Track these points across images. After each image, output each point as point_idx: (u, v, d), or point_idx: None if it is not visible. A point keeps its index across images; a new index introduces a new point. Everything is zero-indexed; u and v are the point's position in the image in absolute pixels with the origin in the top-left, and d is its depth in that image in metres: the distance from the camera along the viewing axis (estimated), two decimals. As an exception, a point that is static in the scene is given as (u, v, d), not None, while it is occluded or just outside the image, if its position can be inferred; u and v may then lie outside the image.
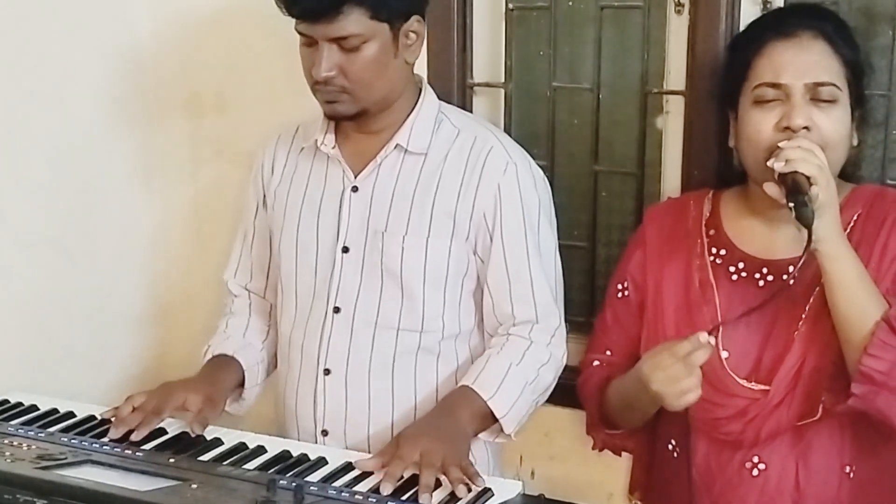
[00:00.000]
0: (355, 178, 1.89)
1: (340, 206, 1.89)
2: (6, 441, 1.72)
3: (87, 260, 2.38)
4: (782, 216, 1.69)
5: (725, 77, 1.82)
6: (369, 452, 1.78)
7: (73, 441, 1.74)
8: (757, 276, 1.77)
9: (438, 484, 1.59)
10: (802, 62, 1.68)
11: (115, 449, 1.72)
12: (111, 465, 1.65)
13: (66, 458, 1.65)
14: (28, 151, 2.22)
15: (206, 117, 2.47)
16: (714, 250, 1.81)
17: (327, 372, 1.91)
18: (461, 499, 1.57)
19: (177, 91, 2.48)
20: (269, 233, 2.03)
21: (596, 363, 1.94)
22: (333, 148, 1.91)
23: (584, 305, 2.26)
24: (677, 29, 2.08)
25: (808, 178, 1.58)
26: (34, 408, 1.91)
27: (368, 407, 1.90)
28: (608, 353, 1.93)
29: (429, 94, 1.92)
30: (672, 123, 2.13)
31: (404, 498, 1.56)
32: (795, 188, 1.58)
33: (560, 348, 1.91)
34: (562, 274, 1.96)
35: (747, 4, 2.00)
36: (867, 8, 1.92)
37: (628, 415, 1.86)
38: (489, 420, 1.81)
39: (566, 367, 2.20)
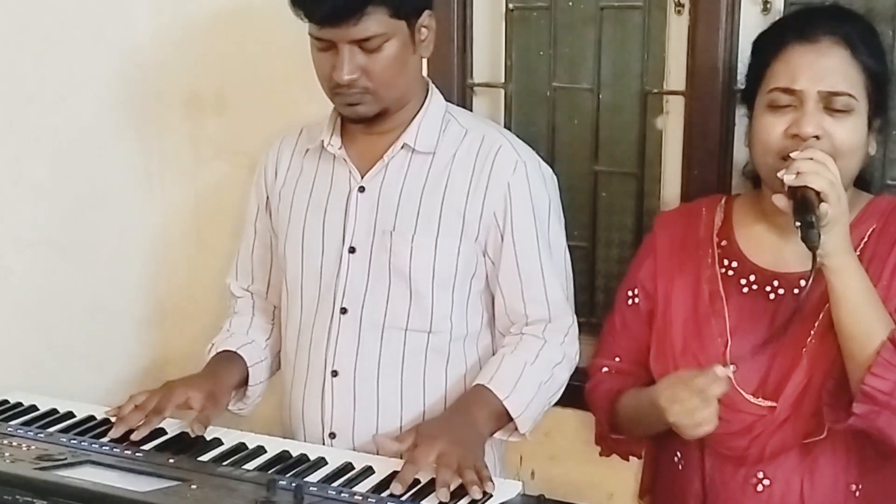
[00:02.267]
0: (362, 178, 1.89)
1: (347, 207, 1.89)
2: (6, 441, 1.72)
3: (87, 260, 2.38)
4: (793, 225, 1.69)
5: (746, 76, 1.81)
6: (377, 455, 1.77)
7: (72, 441, 1.74)
8: (768, 289, 1.75)
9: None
10: (819, 68, 1.65)
11: (115, 449, 1.72)
12: (111, 466, 1.65)
13: (65, 459, 1.65)
14: (28, 151, 2.22)
15: (206, 117, 2.47)
16: (725, 262, 1.80)
17: (335, 374, 1.90)
18: (462, 498, 1.57)
19: (177, 91, 2.47)
20: (272, 235, 2.03)
21: (605, 370, 1.93)
22: (340, 148, 1.90)
23: (584, 305, 2.25)
24: (677, 29, 2.07)
25: (818, 193, 1.55)
26: (34, 408, 1.91)
27: (377, 409, 1.90)
28: (617, 359, 1.92)
29: (435, 95, 1.92)
30: (672, 123, 2.13)
31: (404, 498, 1.56)
32: (804, 205, 1.55)
33: (573, 346, 1.91)
34: (571, 271, 1.96)
35: (747, 4, 2.00)
36: (867, 8, 1.92)
37: (639, 429, 1.87)
38: (504, 419, 1.81)
39: (569, 368, 2.21)
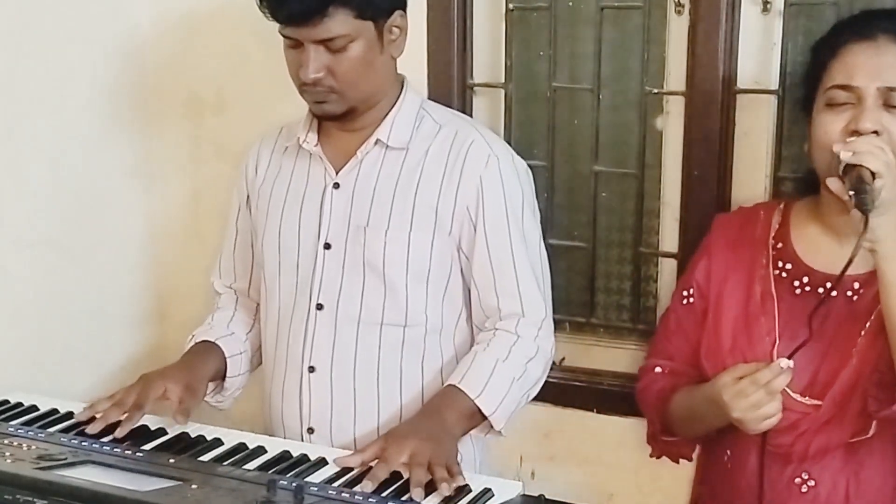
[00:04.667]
0: (336, 174, 1.90)
1: (322, 203, 1.90)
2: (6, 441, 1.72)
3: (86, 260, 2.38)
4: (851, 227, 1.68)
5: (804, 81, 1.80)
6: (356, 449, 1.77)
7: (73, 441, 1.74)
8: (820, 290, 1.74)
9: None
10: (877, 65, 1.64)
11: (116, 449, 1.71)
12: (111, 466, 1.65)
13: (66, 459, 1.65)
14: (27, 151, 2.22)
15: (205, 117, 2.47)
16: (780, 264, 1.79)
17: (312, 369, 1.91)
18: (462, 499, 1.57)
19: (177, 91, 2.47)
20: (253, 233, 2.04)
21: (658, 370, 1.93)
22: (316, 146, 1.92)
23: (584, 306, 2.26)
24: (677, 29, 2.07)
25: (873, 174, 1.54)
26: (34, 408, 1.91)
27: (354, 403, 1.91)
28: (671, 359, 1.91)
29: (410, 91, 1.93)
30: (672, 124, 2.13)
31: (404, 499, 1.56)
32: (859, 179, 1.54)
33: (548, 341, 1.91)
34: (548, 265, 1.96)
35: (747, 4, 2.00)
36: (867, 8, 1.92)
37: (694, 427, 1.86)
38: (477, 418, 1.81)
39: (567, 368, 2.22)
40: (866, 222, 1.52)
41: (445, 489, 1.57)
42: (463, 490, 1.59)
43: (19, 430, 1.79)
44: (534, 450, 2.28)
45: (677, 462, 1.99)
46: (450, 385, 1.82)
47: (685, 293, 1.90)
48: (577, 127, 2.21)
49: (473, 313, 1.93)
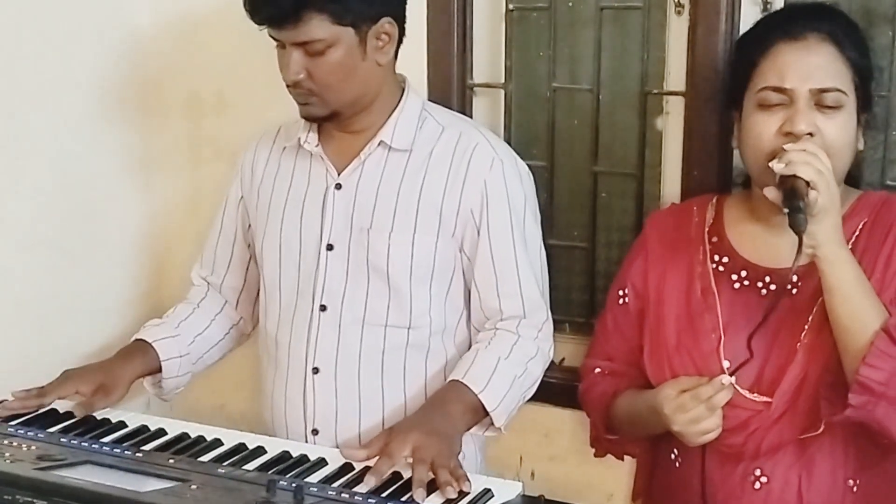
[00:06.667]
0: (339, 175, 1.90)
1: (324, 204, 1.90)
2: (6, 441, 1.72)
3: (86, 260, 2.38)
4: (785, 222, 1.69)
5: (730, 76, 1.81)
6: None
7: (72, 442, 1.74)
8: (759, 284, 1.75)
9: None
10: (808, 66, 1.65)
11: (115, 450, 1.71)
12: (111, 466, 1.65)
13: (65, 459, 1.65)
14: (27, 152, 2.22)
15: (206, 117, 2.47)
16: (717, 258, 1.80)
17: (316, 371, 1.91)
18: (461, 499, 1.56)
19: (177, 91, 2.48)
20: (246, 232, 2.05)
21: (597, 370, 1.93)
22: (317, 146, 1.91)
23: (584, 306, 2.26)
24: (677, 29, 2.08)
25: (807, 182, 1.56)
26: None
27: (358, 405, 1.91)
28: (609, 360, 1.92)
29: (412, 93, 1.93)
30: (672, 124, 2.13)
31: (403, 499, 1.56)
32: (793, 193, 1.56)
33: (547, 342, 1.92)
34: (547, 268, 1.97)
35: (747, 5, 2.00)
36: (867, 8, 1.92)
37: (636, 431, 1.87)
38: (480, 413, 1.81)
39: (567, 368, 2.22)
40: (800, 242, 1.55)
41: (451, 493, 1.56)
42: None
43: (19, 431, 1.79)
44: (534, 450, 2.28)
45: (622, 459, 2.00)
46: (453, 380, 1.82)
47: (620, 293, 1.90)
48: (577, 127, 2.21)
49: (473, 315, 1.93)
